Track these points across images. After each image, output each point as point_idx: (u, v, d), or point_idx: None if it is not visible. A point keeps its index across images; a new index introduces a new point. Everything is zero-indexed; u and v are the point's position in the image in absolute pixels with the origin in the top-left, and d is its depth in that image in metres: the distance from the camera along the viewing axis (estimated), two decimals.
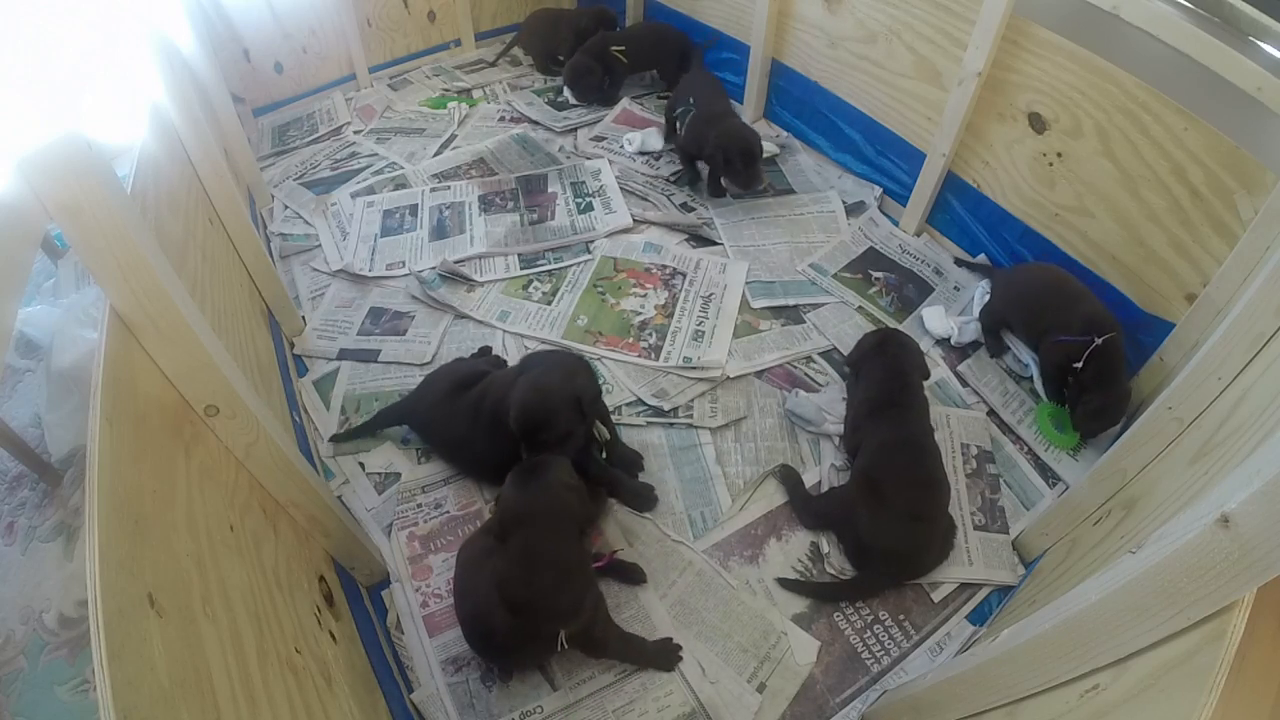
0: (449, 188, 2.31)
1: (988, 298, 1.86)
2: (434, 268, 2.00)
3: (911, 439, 1.41)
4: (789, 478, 1.51)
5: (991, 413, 1.69)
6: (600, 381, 1.70)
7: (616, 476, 1.46)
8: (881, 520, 1.32)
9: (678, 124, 2.30)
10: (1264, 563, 0.54)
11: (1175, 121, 1.46)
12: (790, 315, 1.90)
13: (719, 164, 2.09)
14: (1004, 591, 1.40)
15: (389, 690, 1.21)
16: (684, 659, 1.26)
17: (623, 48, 2.65)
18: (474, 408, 1.41)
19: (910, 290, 1.98)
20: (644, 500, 1.47)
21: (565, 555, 1.07)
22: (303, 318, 1.90)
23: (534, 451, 1.23)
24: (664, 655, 1.26)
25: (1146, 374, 1.65)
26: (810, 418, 1.62)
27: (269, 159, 2.52)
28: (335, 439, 1.60)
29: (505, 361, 1.71)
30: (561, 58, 2.86)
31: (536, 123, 2.65)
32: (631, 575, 1.35)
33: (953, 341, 1.83)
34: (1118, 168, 1.60)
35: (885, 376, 1.48)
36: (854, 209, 2.24)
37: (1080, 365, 1.53)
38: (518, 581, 1.06)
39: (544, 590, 1.06)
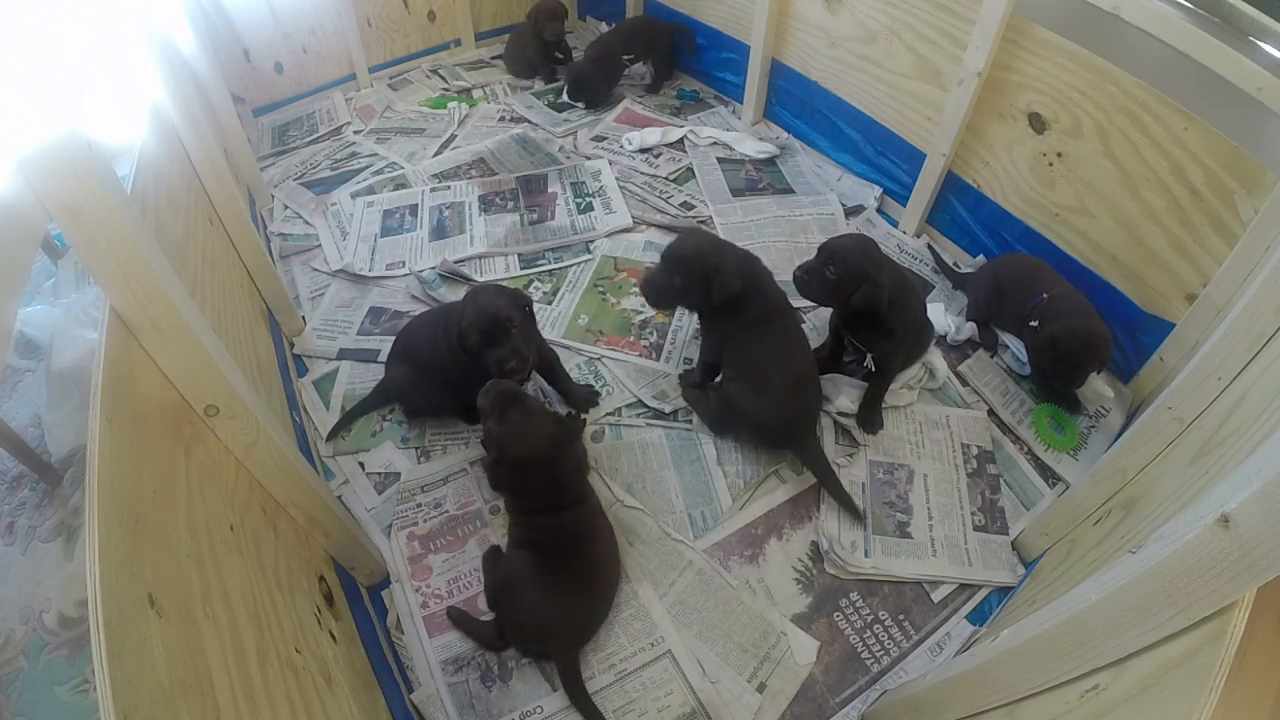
0: (449, 188, 2.31)
1: (969, 296, 1.91)
2: (434, 268, 2.00)
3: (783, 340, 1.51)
4: (687, 379, 1.66)
5: (991, 413, 1.68)
6: (601, 385, 1.71)
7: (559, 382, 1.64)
8: (771, 404, 1.46)
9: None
10: (1264, 563, 0.54)
11: (1175, 121, 1.46)
12: None
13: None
14: (1004, 591, 1.40)
15: (389, 690, 1.21)
16: (684, 658, 1.26)
17: (631, 55, 2.75)
18: (435, 338, 1.46)
19: None
20: (586, 400, 1.66)
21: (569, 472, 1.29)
22: (303, 318, 1.89)
23: (488, 357, 1.34)
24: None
25: (1146, 374, 1.65)
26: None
27: (269, 159, 2.52)
28: (331, 437, 1.61)
29: None
30: (530, 59, 2.92)
31: (536, 123, 2.65)
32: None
33: (949, 339, 1.83)
34: (1118, 168, 1.60)
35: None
36: (854, 211, 2.23)
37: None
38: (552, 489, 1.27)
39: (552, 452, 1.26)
